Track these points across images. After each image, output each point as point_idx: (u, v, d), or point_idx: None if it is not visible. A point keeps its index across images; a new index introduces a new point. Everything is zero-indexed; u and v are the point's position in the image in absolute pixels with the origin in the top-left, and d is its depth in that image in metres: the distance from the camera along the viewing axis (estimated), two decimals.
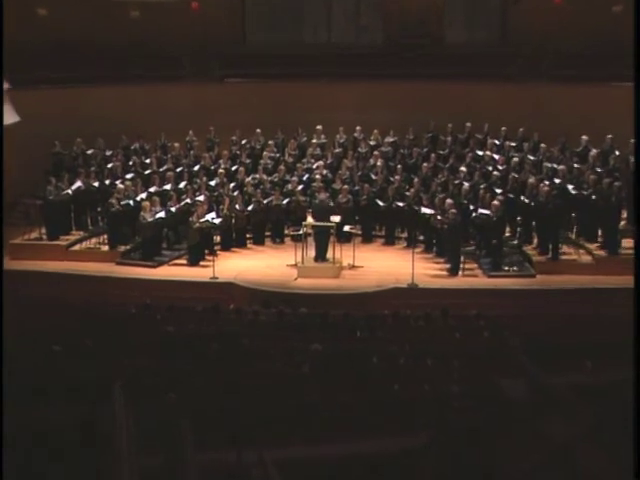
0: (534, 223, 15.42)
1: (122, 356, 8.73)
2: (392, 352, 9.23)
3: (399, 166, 17.26)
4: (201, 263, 15.22)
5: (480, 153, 17.79)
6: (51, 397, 6.77)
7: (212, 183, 17.02)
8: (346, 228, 15.31)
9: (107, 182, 16.88)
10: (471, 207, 15.37)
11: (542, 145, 17.44)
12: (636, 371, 5.72)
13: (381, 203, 16.26)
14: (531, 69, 19.95)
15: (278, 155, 18.47)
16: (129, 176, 17.05)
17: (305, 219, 15.49)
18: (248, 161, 18.20)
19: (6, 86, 16.08)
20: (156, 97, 19.90)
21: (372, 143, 18.69)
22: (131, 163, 17.94)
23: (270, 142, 18.62)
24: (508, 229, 15.90)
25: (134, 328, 10.62)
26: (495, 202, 14.79)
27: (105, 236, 16.03)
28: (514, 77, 20.14)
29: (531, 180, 15.59)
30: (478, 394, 7.26)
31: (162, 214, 15.37)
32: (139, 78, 20.13)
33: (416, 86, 19.95)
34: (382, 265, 15.10)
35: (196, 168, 17.73)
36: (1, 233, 14.03)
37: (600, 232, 14.96)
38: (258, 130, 18.94)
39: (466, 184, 16.09)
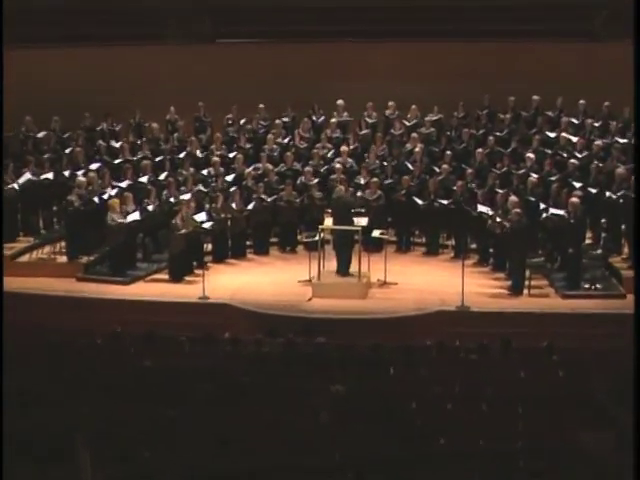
0: (624, 227, 15.35)
1: (85, 402, 8.77)
2: (437, 395, 9.23)
3: (448, 152, 17.26)
4: (187, 278, 15.27)
5: (552, 135, 17.75)
6: None
7: (204, 172, 17.09)
8: (375, 233, 15.31)
9: (65, 173, 16.99)
10: (541, 206, 15.33)
11: None
12: None
13: (420, 201, 16.26)
14: (622, 24, 19.84)
15: (287, 139, 18.51)
16: (94, 166, 17.15)
17: (322, 221, 15.50)
18: (248, 146, 18.26)
19: None
20: (129, 63, 20.03)
21: (409, 123, 18.69)
22: (96, 149, 18.05)
23: (277, 122, 18.67)
24: (589, 234, 15.84)
25: (100, 364, 10.67)
26: (573, 199, 14.74)
27: (62, 244, 16.12)
28: (598, 34, 20.07)
29: (620, 170, 15.52)
30: (551, 451, 7.24)
31: (137, 215, 15.44)
32: (106, 38, 20.26)
33: (467, 48, 19.97)
34: (423, 281, 15.08)
35: (181, 156, 17.81)
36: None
37: None
38: (261, 106, 19.00)
39: (534, 175, 16.04)
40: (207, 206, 16.34)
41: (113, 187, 16.41)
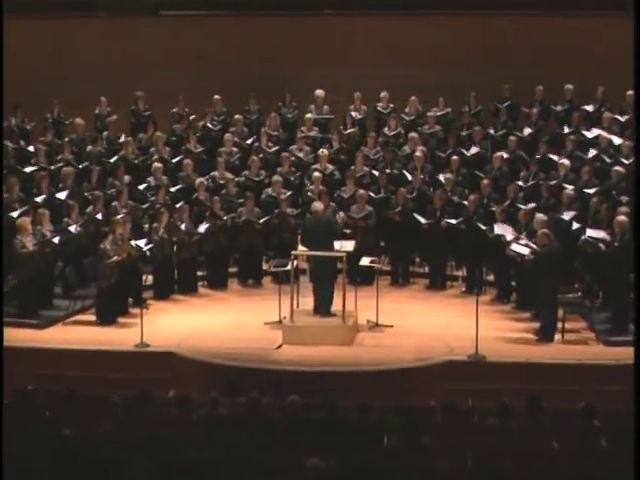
0: None
1: None
2: (444, 471, 9.25)
3: (456, 157, 17.35)
4: (120, 320, 15.26)
5: (590, 135, 17.88)
6: None
7: (140, 187, 17.10)
8: (365, 261, 15.36)
9: None
10: (576, 226, 15.42)
11: None
12: None
13: (422, 220, 16.33)
14: None
15: (251, 139, 18.57)
16: None
17: (296, 246, 15.55)
18: (200, 149, 18.31)
19: None
20: (47, 40, 20.05)
21: (408, 119, 18.79)
22: (1, 152, 18.05)
23: (237, 117, 18.75)
24: None
25: (6, 432, 10.63)
26: (619, 218, 14.82)
27: None
28: None
29: None
30: None
31: (55, 239, 15.42)
32: (18, 8, 20.24)
33: (483, 22, 20.12)
34: (425, 323, 15.14)
35: (112, 160, 17.83)
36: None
37: None
38: (217, 97, 19.07)
39: (568, 187, 16.15)
40: (146, 226, 16.33)
41: (23, 202, 16.38)
